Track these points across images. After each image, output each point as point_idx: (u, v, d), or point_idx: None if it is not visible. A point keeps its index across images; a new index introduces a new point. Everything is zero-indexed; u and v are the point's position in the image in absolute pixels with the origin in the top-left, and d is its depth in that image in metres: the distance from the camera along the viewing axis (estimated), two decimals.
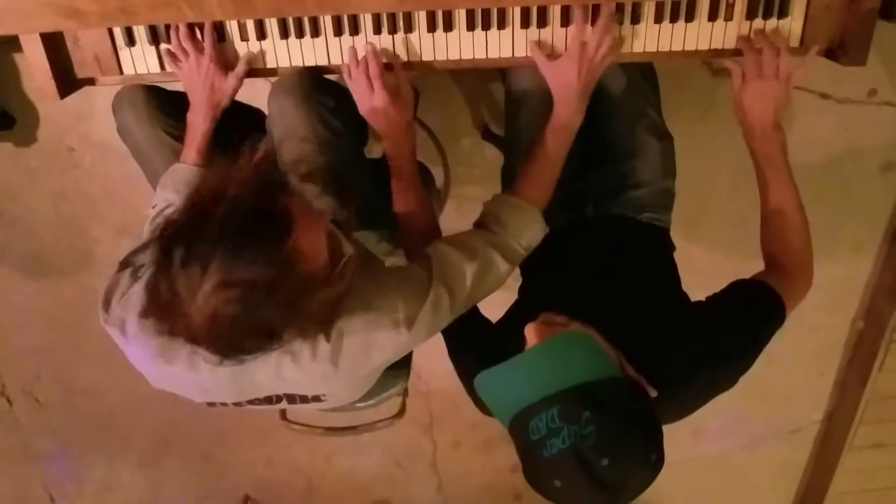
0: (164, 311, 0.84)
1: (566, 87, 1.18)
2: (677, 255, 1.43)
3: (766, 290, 1.14)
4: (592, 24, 1.16)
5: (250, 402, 1.11)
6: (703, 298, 1.19)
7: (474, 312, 1.23)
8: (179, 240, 0.82)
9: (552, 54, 1.20)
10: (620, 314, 1.12)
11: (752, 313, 1.12)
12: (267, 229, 0.82)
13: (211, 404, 1.13)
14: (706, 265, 2.09)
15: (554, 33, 1.20)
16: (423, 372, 2.57)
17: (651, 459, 0.86)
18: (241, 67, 1.22)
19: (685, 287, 1.31)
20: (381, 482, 3.03)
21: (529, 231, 1.19)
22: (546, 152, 1.20)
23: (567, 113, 1.19)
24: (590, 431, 0.81)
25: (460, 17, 1.18)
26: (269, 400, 1.11)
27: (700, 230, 2.15)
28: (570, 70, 1.17)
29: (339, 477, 3.02)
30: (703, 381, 1.10)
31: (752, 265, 2.23)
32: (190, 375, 0.92)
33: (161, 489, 3.07)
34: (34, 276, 2.35)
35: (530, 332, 0.95)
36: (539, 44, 1.21)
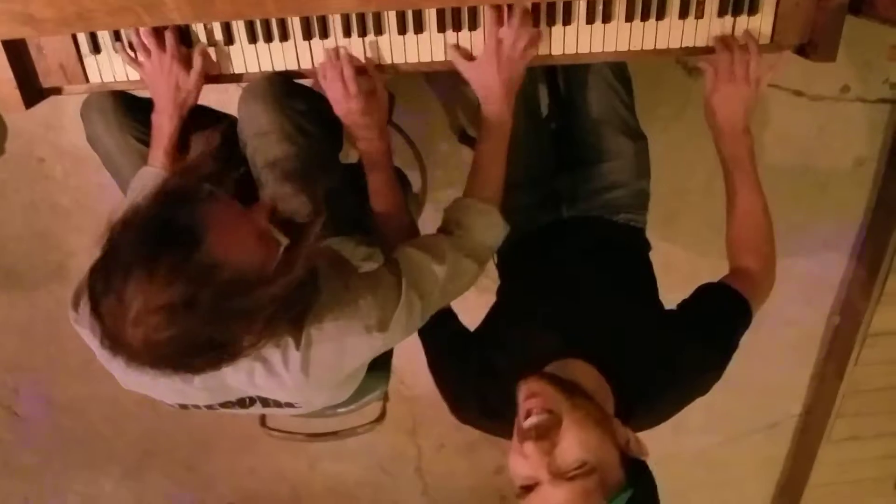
0: (107, 343, 0.82)
1: (488, 87, 1.18)
2: (654, 255, 1.44)
3: (732, 294, 1.15)
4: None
5: (223, 405, 1.10)
6: (675, 306, 1.20)
7: (452, 322, 1.23)
8: (97, 271, 0.81)
9: (471, 56, 1.20)
10: (596, 320, 1.13)
11: (720, 321, 1.14)
12: (173, 246, 0.79)
13: (183, 406, 1.12)
14: (683, 264, 2.11)
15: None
16: (406, 377, 2.56)
17: None
18: (197, 62, 1.19)
19: (664, 285, 1.32)
20: (366, 488, 3.03)
21: (491, 230, 1.19)
22: (486, 154, 1.20)
23: (494, 112, 1.18)
24: None
25: (431, 18, 1.18)
26: (241, 403, 1.10)
27: (676, 229, 2.18)
28: (490, 70, 1.16)
29: (325, 484, 3.01)
30: (679, 389, 1.11)
31: (728, 264, 2.26)
32: (160, 380, 0.90)
33: (145, 500, 3.04)
34: (7, 289, 2.32)
35: (523, 391, 0.95)
36: (458, 47, 1.20)
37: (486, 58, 1.17)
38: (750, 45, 1.16)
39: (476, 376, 1.11)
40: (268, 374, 1.00)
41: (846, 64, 1.97)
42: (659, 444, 3.09)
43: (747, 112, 1.19)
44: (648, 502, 0.94)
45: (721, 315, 1.14)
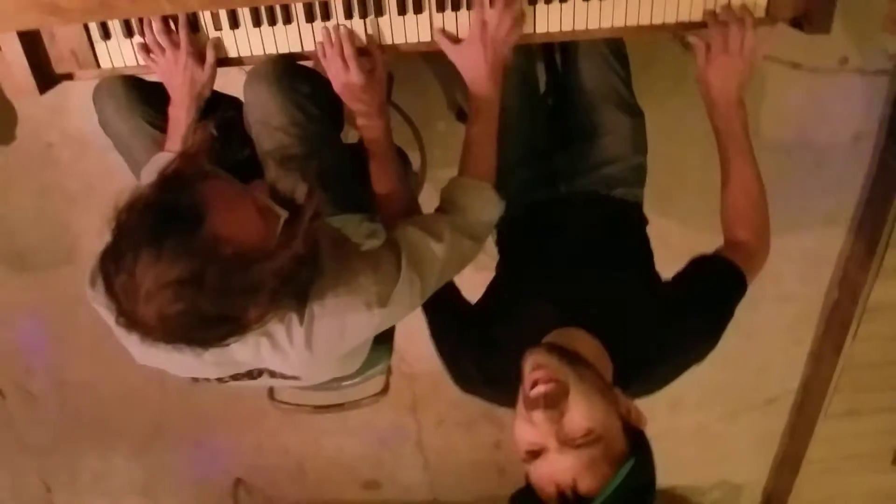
0: (123, 320, 0.86)
1: (474, 68, 1.20)
2: (651, 229, 1.46)
3: (728, 266, 1.18)
4: None
5: (232, 377, 1.14)
6: (670, 278, 1.23)
7: (454, 294, 1.26)
8: (109, 252, 0.85)
9: (457, 39, 1.22)
10: (594, 292, 1.17)
11: (716, 291, 1.17)
12: (177, 224, 0.83)
13: (195, 379, 1.16)
14: (680, 239, 2.12)
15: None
16: (407, 355, 2.61)
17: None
18: (210, 56, 1.23)
19: (660, 260, 1.35)
20: (368, 463, 3.09)
21: (487, 207, 1.22)
22: (477, 134, 1.23)
23: (482, 93, 1.21)
24: None
25: (430, 1, 1.21)
26: (250, 374, 1.14)
27: (674, 204, 2.20)
28: (475, 51, 1.19)
29: (328, 459, 3.07)
30: (675, 358, 1.15)
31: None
32: (173, 354, 0.95)
33: (155, 475, 3.12)
34: (19, 272, 2.38)
35: (529, 362, 0.99)
36: (444, 30, 1.23)
37: (470, 40, 1.19)
38: (745, 19, 1.17)
39: (477, 346, 1.15)
40: (273, 348, 1.04)
41: (844, 35, 1.96)
42: (657, 419, 3.13)
43: (741, 85, 1.21)
44: (647, 471, 0.97)
45: (716, 285, 1.17)
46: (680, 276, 1.21)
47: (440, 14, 1.22)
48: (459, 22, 1.23)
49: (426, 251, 1.11)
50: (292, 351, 1.05)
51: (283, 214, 0.92)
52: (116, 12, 1.06)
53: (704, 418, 2.94)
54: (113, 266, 0.84)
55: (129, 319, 0.85)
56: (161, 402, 2.78)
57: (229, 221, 0.85)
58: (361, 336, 1.11)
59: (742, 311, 2.61)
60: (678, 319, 1.12)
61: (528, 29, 1.23)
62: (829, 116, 2.14)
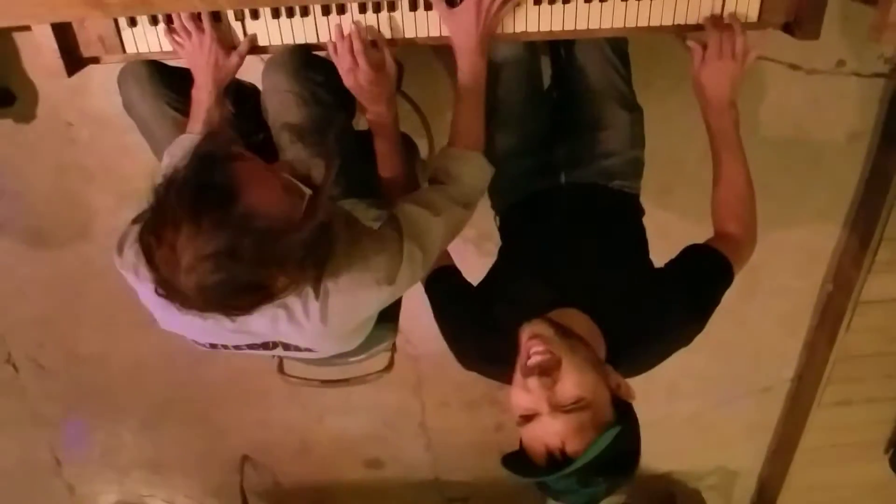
0: (163, 290, 0.93)
1: (466, 35, 1.24)
2: (651, 222, 1.51)
3: (716, 256, 1.24)
4: None
5: (249, 346, 1.21)
6: (663, 265, 1.29)
7: (455, 277, 1.33)
8: (148, 227, 0.91)
9: (453, 3, 1.26)
10: (590, 276, 1.23)
11: (704, 279, 1.23)
12: (213, 200, 0.88)
13: (213, 346, 1.23)
14: (678, 231, 2.16)
15: (528, 10, 1.28)
16: (412, 336, 2.66)
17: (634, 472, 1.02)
18: (244, 46, 1.29)
19: (659, 251, 1.40)
20: (371, 441, 3.14)
21: (478, 173, 1.29)
22: (464, 103, 1.29)
23: (469, 61, 1.26)
24: (602, 488, 1.00)
25: None
26: (265, 346, 1.21)
27: (673, 198, 2.25)
28: (469, 18, 1.23)
29: (332, 437, 3.12)
30: (664, 340, 1.21)
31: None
32: (196, 321, 1.01)
33: (163, 450, 3.18)
34: (35, 247, 2.42)
35: (525, 332, 1.06)
36: None
37: (466, 7, 1.23)
38: (735, 25, 1.23)
39: (478, 325, 1.21)
40: (289, 320, 1.11)
41: (842, 39, 2.00)
42: (654, 406, 3.20)
43: (733, 87, 1.26)
44: (631, 440, 1.05)
45: (705, 273, 1.24)
46: (671, 263, 1.27)
47: (450, 8, 1.26)
48: None
49: (425, 225, 1.17)
50: (308, 324, 1.12)
51: (308, 192, 0.99)
52: (154, 8, 1.13)
53: (701, 405, 3.00)
54: (154, 239, 0.90)
55: (170, 289, 0.92)
56: (170, 378, 2.83)
57: (260, 197, 0.92)
58: (371, 309, 1.19)
59: (739, 301, 2.67)
60: (666, 303, 1.18)
61: (532, 27, 1.29)
62: (826, 116, 2.19)
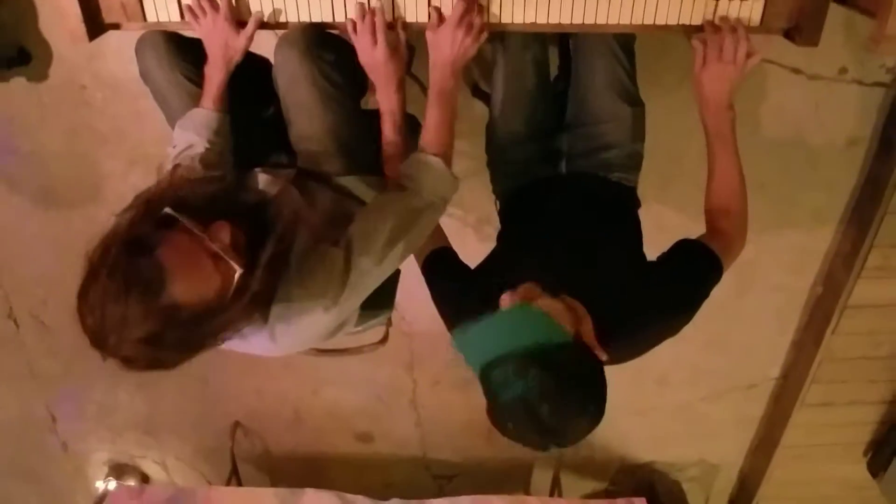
0: (95, 345, 0.98)
1: (441, 51, 1.29)
2: (648, 214, 1.56)
3: (707, 251, 1.28)
4: None
5: None
6: (655, 258, 1.33)
7: (452, 259, 1.37)
8: (81, 295, 0.96)
9: (441, 20, 1.30)
10: (584, 262, 1.27)
11: (694, 272, 1.27)
12: (139, 292, 0.92)
13: None
14: (675, 224, 2.19)
15: (538, 1, 1.31)
16: (407, 314, 2.70)
17: (589, 409, 1.01)
18: (250, 27, 1.32)
19: (655, 244, 1.43)
20: (363, 415, 3.19)
21: (439, 181, 1.29)
22: (434, 112, 1.32)
23: (440, 74, 1.31)
24: (535, 384, 0.96)
25: None
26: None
27: (671, 192, 2.28)
28: (447, 38, 1.27)
29: (325, 409, 3.16)
30: (652, 329, 1.25)
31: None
32: None
33: (157, 412, 3.22)
34: (45, 207, 2.46)
35: (504, 300, 1.08)
36: (438, 9, 1.30)
37: (446, 26, 1.28)
38: (739, 29, 1.26)
39: (476, 304, 1.25)
40: (241, 339, 1.15)
41: (845, 47, 2.03)
42: (643, 396, 3.25)
43: (732, 90, 1.30)
44: (585, 372, 1.03)
45: (695, 267, 1.28)
46: (663, 256, 1.31)
47: None
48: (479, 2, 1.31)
49: (379, 238, 1.19)
50: (256, 340, 1.17)
51: (239, 270, 1.01)
52: None
53: (689, 397, 3.04)
54: (85, 308, 0.96)
55: (99, 349, 0.98)
56: None
57: (187, 287, 0.96)
58: (322, 332, 1.22)
59: (731, 296, 2.71)
60: (656, 294, 1.22)
61: (541, 19, 1.32)
62: (826, 121, 2.21)
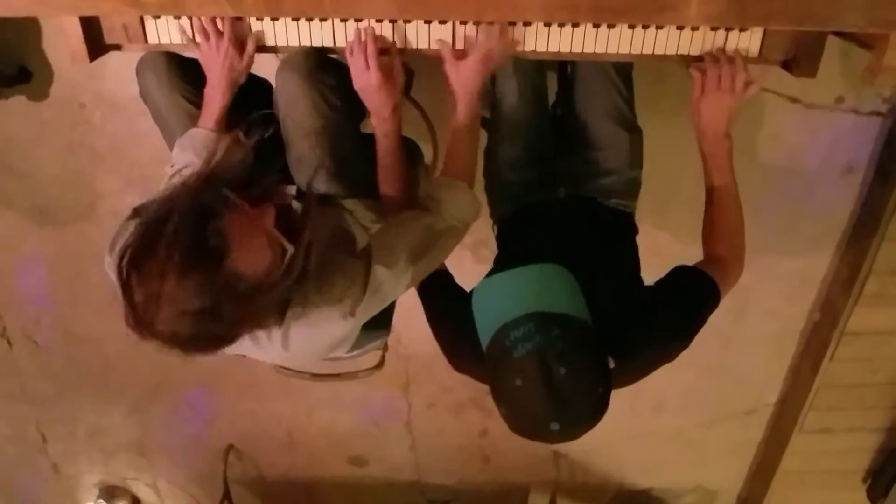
0: (134, 324, 0.94)
1: (466, 86, 1.31)
2: (646, 240, 1.56)
3: (704, 277, 1.28)
4: None
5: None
6: (653, 282, 1.33)
7: (448, 281, 1.37)
8: (132, 266, 0.92)
9: (459, 53, 1.32)
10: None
11: (692, 299, 1.27)
12: (204, 259, 0.90)
13: None
14: (672, 251, 2.19)
15: (538, 31, 1.32)
16: (403, 336, 2.70)
17: (598, 391, 1.01)
18: (250, 48, 1.33)
19: (653, 269, 1.43)
20: (357, 438, 3.16)
21: (461, 202, 1.31)
22: (460, 141, 1.34)
23: (467, 105, 1.33)
24: (557, 342, 0.96)
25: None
26: (240, 356, 1.25)
27: (669, 218, 2.29)
28: (473, 75, 1.30)
29: (319, 431, 3.14)
30: (649, 355, 1.25)
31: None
32: None
33: (150, 434, 3.19)
34: (40, 225, 2.45)
35: None
36: (445, 42, 1.33)
37: (471, 64, 1.30)
38: (737, 60, 1.27)
39: (469, 329, 1.25)
40: (253, 342, 1.16)
41: (842, 77, 2.05)
42: (638, 420, 3.22)
43: (729, 119, 1.31)
44: (595, 348, 1.05)
45: (692, 293, 1.28)
46: (660, 282, 1.31)
47: (463, 26, 1.32)
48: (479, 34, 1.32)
49: (399, 253, 1.20)
50: (270, 347, 1.17)
51: (290, 250, 1.02)
52: (186, 10, 1.18)
53: (685, 423, 3.02)
54: (136, 281, 0.91)
55: (143, 327, 0.94)
56: (163, 362, 2.77)
57: (246, 258, 0.95)
58: (335, 339, 1.21)
59: (729, 323, 2.71)
60: (653, 320, 1.22)
61: (541, 47, 1.34)
62: (822, 149, 2.23)
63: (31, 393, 3.03)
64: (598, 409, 1.02)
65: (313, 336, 1.17)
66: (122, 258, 0.93)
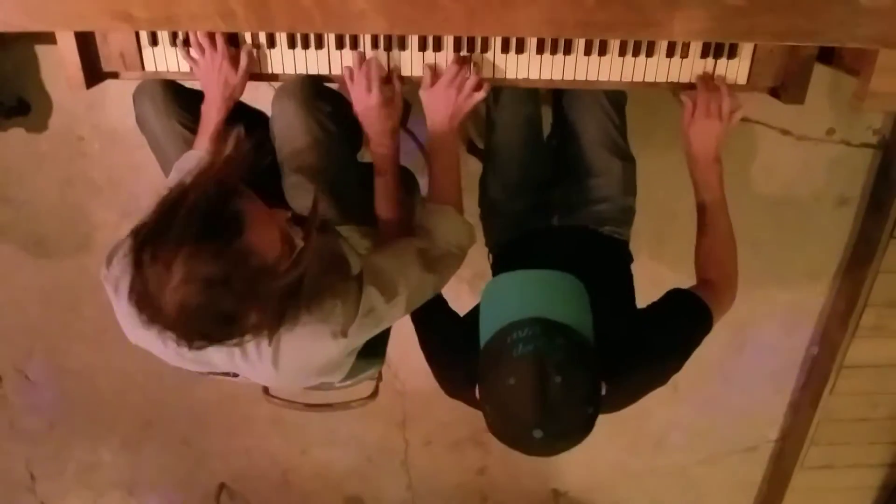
0: (141, 302, 0.94)
1: (436, 110, 1.34)
2: (643, 270, 1.56)
3: (697, 302, 1.28)
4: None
5: (211, 373, 1.24)
6: (645, 306, 1.33)
7: (442, 306, 1.36)
8: (148, 241, 0.92)
9: (435, 79, 1.33)
10: None
11: (685, 323, 1.27)
12: (220, 230, 0.91)
13: (178, 367, 1.25)
14: (670, 281, 2.21)
15: (531, 59, 1.35)
16: (400, 371, 2.67)
17: (588, 410, 1.00)
18: (244, 61, 1.34)
19: (649, 298, 1.42)
20: (353, 477, 3.11)
21: (454, 228, 1.33)
22: (439, 168, 1.36)
23: (438, 133, 1.35)
24: (559, 351, 0.97)
25: (448, 42, 1.33)
26: (227, 374, 1.24)
27: (666, 249, 2.29)
28: (440, 97, 1.32)
29: (314, 471, 3.09)
30: (640, 377, 1.24)
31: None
32: (160, 344, 1.04)
33: (141, 472, 3.12)
34: (35, 256, 2.44)
35: None
36: (433, 67, 1.34)
37: (440, 86, 1.32)
38: (723, 87, 1.30)
39: (464, 346, 1.24)
40: (243, 358, 1.15)
41: (833, 108, 2.08)
42: (639, 457, 3.17)
43: (719, 144, 1.33)
44: (593, 367, 1.03)
45: (685, 317, 1.28)
46: (653, 305, 1.32)
47: (456, 53, 1.34)
48: (475, 60, 1.35)
49: (391, 279, 1.20)
50: (259, 364, 1.16)
51: (300, 244, 1.03)
52: (179, 25, 1.19)
53: (687, 460, 2.99)
54: (149, 254, 0.92)
55: (147, 302, 0.93)
56: (156, 398, 2.81)
57: (261, 239, 0.96)
58: (326, 360, 1.20)
59: (727, 357, 2.69)
60: (646, 339, 1.22)
61: (534, 74, 1.36)
62: (815, 181, 2.25)
63: (21, 429, 2.97)
64: (583, 428, 1.01)
65: (303, 354, 1.16)
66: (136, 235, 0.94)
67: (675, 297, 1.30)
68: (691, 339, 1.25)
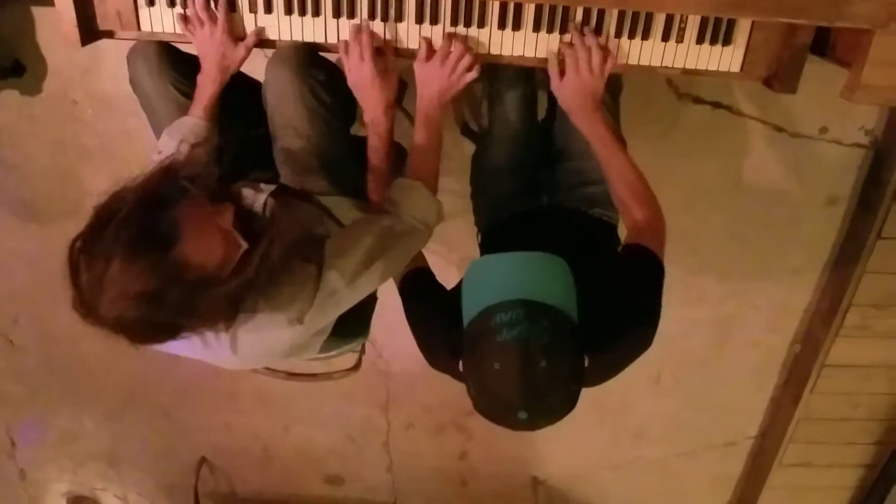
0: (81, 309, 0.95)
1: (428, 85, 1.34)
2: None
3: (642, 251, 1.26)
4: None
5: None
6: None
7: (428, 278, 1.36)
8: (82, 250, 0.93)
9: (430, 55, 1.34)
10: None
11: (644, 280, 1.24)
12: (154, 242, 0.91)
13: None
14: None
15: (527, 36, 1.35)
16: (385, 352, 2.66)
17: (572, 388, 1.01)
18: (250, 39, 1.35)
19: None
20: (334, 456, 3.12)
21: (421, 205, 1.31)
22: (420, 142, 1.36)
23: (426, 108, 1.35)
24: (544, 335, 0.96)
25: (446, 11, 1.33)
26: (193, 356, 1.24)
27: None
28: (434, 73, 1.33)
29: (295, 448, 3.10)
30: (622, 349, 1.23)
31: (699, 276, 2.35)
32: None
33: (122, 444, 3.13)
34: (24, 221, 2.43)
35: None
36: (427, 41, 1.34)
37: (434, 62, 1.32)
38: (591, 41, 1.30)
39: (448, 318, 1.23)
40: (203, 344, 1.15)
41: (827, 107, 2.09)
42: (619, 449, 3.19)
43: (595, 99, 1.32)
44: (574, 347, 1.03)
45: (643, 275, 1.24)
46: (618, 273, 1.28)
47: (454, 27, 1.34)
48: (470, 36, 1.35)
49: (353, 258, 1.19)
50: (220, 351, 1.16)
51: (244, 246, 1.03)
52: None
53: (666, 452, 3.01)
54: (83, 263, 0.92)
55: (88, 312, 0.94)
56: (140, 369, 2.81)
57: (197, 249, 0.95)
58: (288, 345, 1.20)
59: (711, 351, 2.70)
60: (625, 311, 1.20)
61: (529, 52, 1.36)
62: (806, 178, 2.25)
63: (2, 394, 2.96)
64: (567, 404, 1.02)
65: (261, 341, 1.16)
66: (74, 242, 0.94)
67: (627, 262, 1.28)
68: (657, 294, 1.23)
